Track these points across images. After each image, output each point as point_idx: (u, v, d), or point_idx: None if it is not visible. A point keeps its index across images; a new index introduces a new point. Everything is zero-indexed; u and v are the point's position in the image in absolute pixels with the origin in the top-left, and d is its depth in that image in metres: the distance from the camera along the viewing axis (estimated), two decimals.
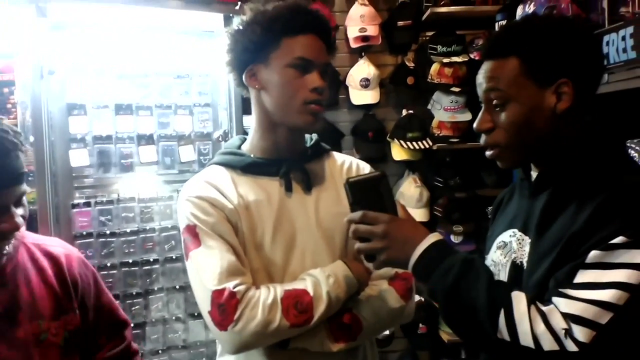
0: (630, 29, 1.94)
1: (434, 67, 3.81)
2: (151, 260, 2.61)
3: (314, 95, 1.59)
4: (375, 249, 1.35)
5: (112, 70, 2.56)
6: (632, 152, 2.05)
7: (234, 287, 1.47)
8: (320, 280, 1.54)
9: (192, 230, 1.56)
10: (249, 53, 1.63)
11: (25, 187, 1.52)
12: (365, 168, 1.80)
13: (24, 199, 1.55)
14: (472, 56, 3.80)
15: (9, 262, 1.58)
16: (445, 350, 3.85)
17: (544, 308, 1.20)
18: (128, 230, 2.58)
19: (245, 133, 1.79)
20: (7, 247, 1.55)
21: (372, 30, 3.83)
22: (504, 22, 2.97)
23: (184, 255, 1.60)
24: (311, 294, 1.51)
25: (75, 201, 2.49)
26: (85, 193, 2.54)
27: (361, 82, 3.84)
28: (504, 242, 1.51)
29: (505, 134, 1.36)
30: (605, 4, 2.24)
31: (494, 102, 1.37)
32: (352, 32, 3.85)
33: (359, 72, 3.86)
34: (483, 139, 1.42)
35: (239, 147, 1.75)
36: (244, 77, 1.66)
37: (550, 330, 1.16)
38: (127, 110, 2.58)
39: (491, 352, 1.28)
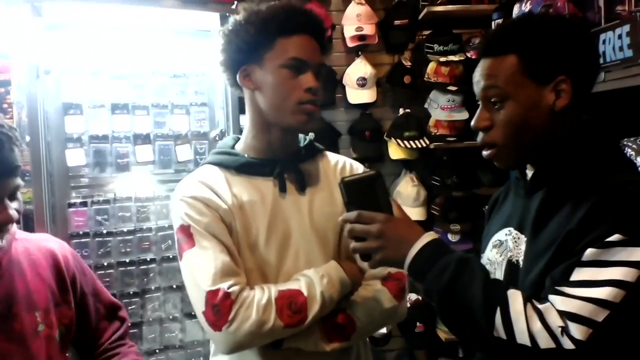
0: (626, 28, 1.95)
1: (431, 66, 3.81)
2: (148, 259, 2.61)
3: (308, 96, 1.59)
4: (370, 248, 1.35)
5: (108, 69, 2.55)
6: (629, 150, 2.05)
7: (229, 288, 1.47)
8: (314, 280, 1.54)
9: (186, 230, 1.56)
10: (243, 53, 1.62)
11: (19, 181, 1.53)
12: (359, 168, 1.80)
13: (19, 194, 1.56)
14: (468, 55, 3.81)
15: (4, 255, 1.59)
16: (443, 349, 3.85)
17: (540, 306, 1.20)
18: (125, 229, 2.57)
19: (242, 132, 1.79)
20: (1, 241, 1.56)
21: (369, 30, 3.82)
22: (500, 21, 2.98)
23: (177, 254, 1.60)
24: (305, 294, 1.51)
25: (72, 201, 2.49)
26: (81, 192, 2.53)
27: (358, 81, 3.84)
28: (499, 240, 1.51)
29: (502, 133, 1.36)
30: (601, 3, 2.25)
31: (492, 99, 1.37)
32: (349, 31, 3.84)
33: (355, 71, 3.86)
34: (480, 137, 1.42)
35: (233, 147, 1.75)
36: (237, 77, 1.66)
37: (547, 328, 1.16)
38: (123, 110, 2.57)
39: (488, 350, 1.28)
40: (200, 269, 1.51)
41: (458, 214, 3.83)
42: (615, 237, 1.17)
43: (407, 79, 3.90)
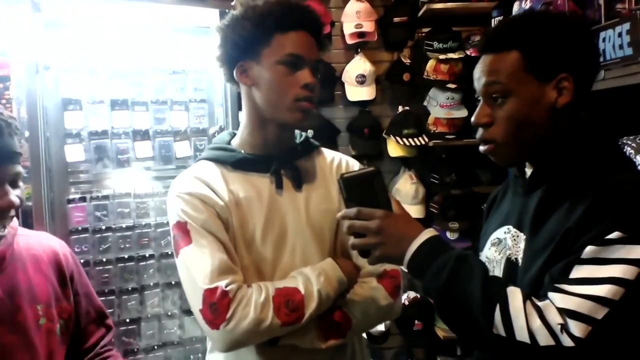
0: (626, 26, 1.94)
1: (430, 64, 3.80)
2: (147, 255, 2.61)
3: (305, 92, 1.59)
4: (369, 244, 1.35)
5: (108, 65, 2.55)
6: (628, 148, 2.05)
7: (226, 286, 1.47)
8: (311, 278, 1.54)
9: (182, 227, 1.56)
10: (239, 49, 1.62)
11: (20, 168, 1.55)
12: (355, 165, 1.80)
13: (20, 183, 1.57)
14: (468, 53, 3.80)
15: (7, 249, 1.61)
16: (441, 347, 3.85)
17: (539, 303, 1.20)
18: (124, 225, 2.57)
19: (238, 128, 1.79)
20: (3, 230, 1.57)
21: (368, 27, 3.82)
22: (500, 19, 2.97)
23: (173, 251, 1.60)
24: (302, 292, 1.51)
25: (71, 196, 2.48)
26: (80, 188, 2.53)
27: (357, 79, 3.84)
28: (498, 238, 1.51)
29: (503, 129, 1.36)
30: (601, 0, 2.24)
31: (494, 96, 1.37)
32: (348, 28, 3.84)
33: (354, 69, 3.86)
34: (479, 133, 1.42)
35: (229, 142, 1.74)
36: (234, 73, 1.65)
37: (546, 325, 1.16)
38: (122, 106, 2.57)
39: (487, 348, 1.28)
40: (198, 266, 1.51)
41: (457, 212, 3.83)
42: (614, 235, 1.17)
43: (406, 77, 3.90)
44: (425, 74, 3.82)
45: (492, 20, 3.07)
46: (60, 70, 2.45)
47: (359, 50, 3.92)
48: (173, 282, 2.64)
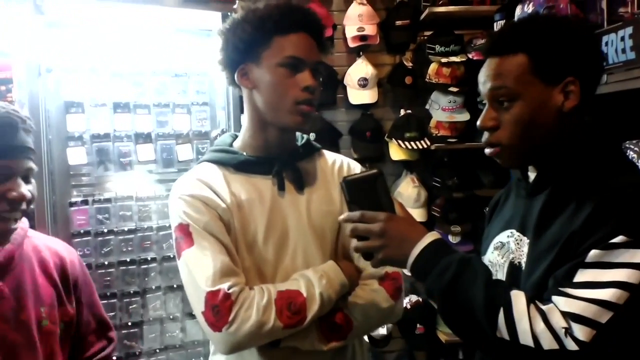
0: (629, 30, 1.94)
1: (432, 67, 3.81)
2: (149, 259, 2.60)
3: (305, 95, 1.59)
4: (372, 247, 1.35)
5: (110, 68, 2.55)
6: (631, 153, 2.05)
7: (229, 289, 1.47)
8: (313, 281, 1.54)
9: (184, 229, 1.56)
10: (240, 52, 1.63)
11: (33, 164, 1.60)
12: (357, 167, 1.81)
13: (32, 180, 1.61)
14: (470, 56, 3.80)
15: (17, 248, 1.63)
16: (443, 350, 3.85)
17: (543, 307, 1.20)
18: (125, 228, 2.56)
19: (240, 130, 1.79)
20: (14, 223, 1.59)
21: (370, 30, 3.83)
22: (502, 22, 2.98)
23: (175, 253, 1.60)
24: (304, 295, 1.52)
25: (73, 199, 2.48)
26: (82, 191, 2.52)
27: (359, 82, 3.84)
28: (501, 242, 1.51)
29: (509, 133, 1.36)
30: (604, 4, 2.24)
31: (501, 99, 1.36)
32: (350, 31, 3.85)
33: (356, 72, 3.87)
34: (485, 136, 1.41)
35: (231, 145, 1.74)
36: (235, 76, 1.66)
37: (550, 329, 1.16)
38: (124, 109, 2.57)
39: (490, 351, 1.28)
40: (200, 269, 1.51)
41: (458, 215, 3.83)
42: (619, 239, 1.17)
43: (408, 80, 3.90)
44: (427, 77, 3.83)
45: (495, 24, 3.07)
46: (63, 73, 2.45)
47: (361, 53, 3.93)
48: (175, 285, 2.64)
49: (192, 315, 2.65)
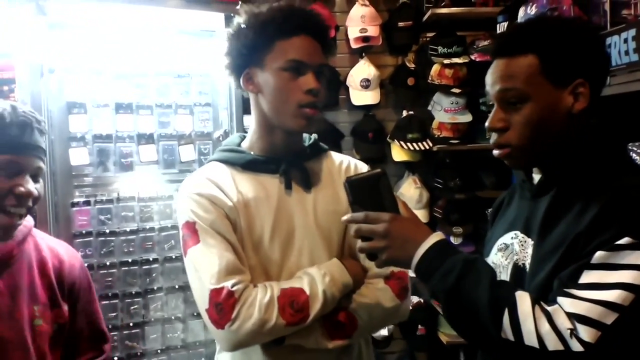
0: (632, 32, 1.94)
1: (435, 68, 3.80)
2: (150, 259, 2.60)
3: (308, 98, 1.59)
4: (376, 248, 1.34)
5: (112, 69, 2.55)
6: (634, 155, 2.05)
7: (232, 287, 1.47)
8: (316, 278, 1.55)
9: (191, 227, 1.57)
10: (244, 57, 1.63)
11: (42, 164, 1.64)
12: (364, 168, 1.81)
13: (40, 179, 1.64)
14: (472, 57, 3.81)
15: (18, 245, 1.64)
16: (444, 352, 3.84)
17: (548, 308, 1.19)
18: (127, 229, 2.57)
19: (246, 132, 1.79)
20: (19, 219, 1.61)
21: (373, 31, 3.83)
22: (505, 24, 2.97)
23: (182, 250, 1.61)
24: (307, 292, 1.52)
25: (75, 200, 2.49)
26: (85, 192, 2.52)
27: (361, 83, 3.84)
28: (505, 244, 1.51)
29: (518, 134, 1.35)
30: (607, 7, 2.24)
31: (511, 100, 1.35)
32: (353, 32, 3.85)
33: (359, 73, 3.86)
34: (493, 138, 1.40)
35: (239, 145, 1.75)
36: (241, 80, 1.67)
37: (555, 330, 1.16)
38: (127, 109, 2.58)
39: (494, 352, 1.27)
40: (205, 266, 1.52)
41: (460, 217, 3.82)
42: (624, 241, 1.16)
43: (410, 81, 3.90)
44: (430, 78, 3.83)
45: (497, 26, 3.07)
46: (65, 74, 2.46)
47: (364, 54, 3.92)
48: (177, 286, 2.64)
49: (193, 316, 2.66)
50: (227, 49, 1.66)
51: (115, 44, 2.55)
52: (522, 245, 1.42)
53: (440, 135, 3.85)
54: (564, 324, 1.16)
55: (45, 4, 2.36)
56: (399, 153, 3.87)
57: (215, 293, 1.48)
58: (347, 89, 3.93)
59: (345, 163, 1.80)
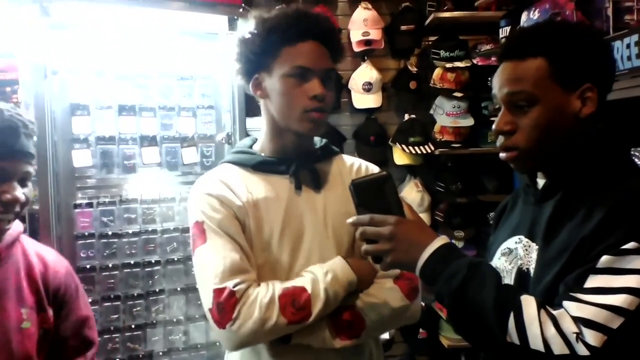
0: (635, 37, 1.94)
1: (437, 72, 3.81)
2: (153, 261, 2.61)
3: (313, 103, 1.59)
4: (381, 250, 1.34)
5: (115, 71, 2.56)
6: (637, 160, 2.05)
7: (234, 286, 1.48)
8: (318, 276, 1.55)
9: (199, 226, 1.58)
10: (253, 63, 1.65)
11: (31, 168, 1.62)
12: (375, 169, 1.80)
13: (29, 183, 1.63)
14: (474, 61, 3.81)
15: (5, 249, 1.64)
16: (446, 355, 3.84)
17: (554, 312, 1.19)
18: (130, 231, 2.57)
19: (249, 135, 1.80)
20: (7, 224, 1.61)
21: (375, 34, 3.83)
22: (508, 28, 2.97)
23: (191, 250, 1.62)
24: (309, 291, 1.52)
25: (78, 201, 2.49)
26: (87, 193, 2.53)
27: (363, 86, 3.84)
28: (509, 248, 1.50)
29: (526, 137, 1.34)
30: (609, 12, 2.24)
31: (519, 103, 1.35)
32: (355, 36, 3.85)
33: (361, 76, 3.87)
34: (500, 141, 1.40)
35: (251, 147, 1.76)
36: (250, 86, 1.68)
37: (561, 334, 1.15)
38: (130, 112, 2.58)
39: (499, 355, 1.27)
40: (210, 266, 1.52)
41: (462, 220, 3.83)
42: (630, 245, 1.16)
43: (412, 85, 3.91)
44: (432, 82, 3.83)
45: (500, 30, 3.07)
46: (68, 75, 2.46)
47: (366, 57, 3.93)
48: (179, 289, 2.64)
49: (195, 319, 2.66)
50: (236, 55, 1.67)
51: (118, 45, 2.55)
52: (526, 250, 1.42)
53: (442, 139, 3.86)
54: (570, 328, 1.16)
55: (49, 5, 2.36)
56: (400, 156, 3.88)
57: (217, 293, 1.48)
58: (349, 92, 3.94)
59: (357, 165, 1.81)
